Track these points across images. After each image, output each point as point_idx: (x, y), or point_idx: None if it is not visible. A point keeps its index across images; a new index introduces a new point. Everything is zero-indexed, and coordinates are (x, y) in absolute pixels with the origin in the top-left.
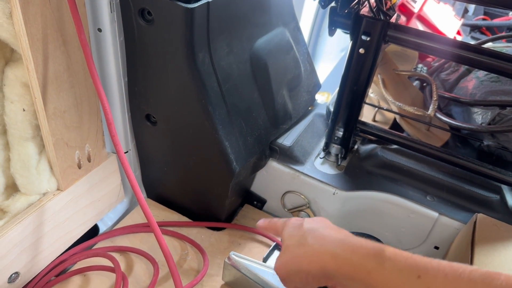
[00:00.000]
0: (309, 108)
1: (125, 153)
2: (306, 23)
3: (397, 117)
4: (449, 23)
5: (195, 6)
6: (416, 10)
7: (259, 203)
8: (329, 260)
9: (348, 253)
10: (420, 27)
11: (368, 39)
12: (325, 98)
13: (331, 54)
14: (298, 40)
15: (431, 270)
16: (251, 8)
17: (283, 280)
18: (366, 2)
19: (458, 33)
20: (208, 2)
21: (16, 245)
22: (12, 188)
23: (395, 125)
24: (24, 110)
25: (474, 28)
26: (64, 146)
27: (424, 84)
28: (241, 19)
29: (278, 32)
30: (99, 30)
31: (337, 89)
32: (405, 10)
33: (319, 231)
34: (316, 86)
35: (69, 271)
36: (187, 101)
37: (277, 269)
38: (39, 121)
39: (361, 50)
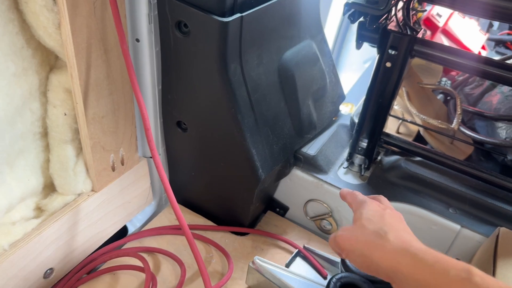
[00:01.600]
0: (333, 119)
1: None
2: (330, 33)
3: (421, 129)
4: (474, 38)
5: (230, 20)
6: (441, 24)
7: (281, 210)
8: (407, 262)
9: (431, 261)
10: (445, 41)
11: (395, 53)
12: (349, 109)
13: (354, 65)
14: (324, 52)
15: None
16: (281, 21)
17: (342, 249)
18: (394, 17)
19: (483, 47)
20: (241, 16)
21: (52, 243)
22: (50, 188)
23: (418, 138)
24: (65, 114)
25: (499, 42)
26: (101, 149)
27: (448, 98)
28: (272, 32)
29: (305, 44)
30: (137, 40)
31: (362, 100)
32: (430, 25)
33: (401, 232)
34: (341, 97)
35: (99, 269)
36: (217, 109)
37: (342, 238)
38: (78, 125)
39: (388, 64)
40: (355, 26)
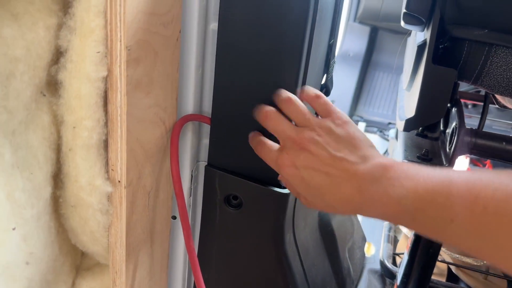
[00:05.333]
0: None
1: None
2: None
3: (453, 267)
4: None
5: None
6: None
7: None
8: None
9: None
10: None
11: None
12: (366, 248)
13: None
14: None
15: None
16: None
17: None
18: None
19: None
20: None
21: None
22: None
23: (450, 276)
24: None
25: None
26: None
27: None
28: None
29: None
30: (173, 217)
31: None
32: None
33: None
34: (364, 240)
35: None
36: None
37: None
38: None
39: None
40: None
